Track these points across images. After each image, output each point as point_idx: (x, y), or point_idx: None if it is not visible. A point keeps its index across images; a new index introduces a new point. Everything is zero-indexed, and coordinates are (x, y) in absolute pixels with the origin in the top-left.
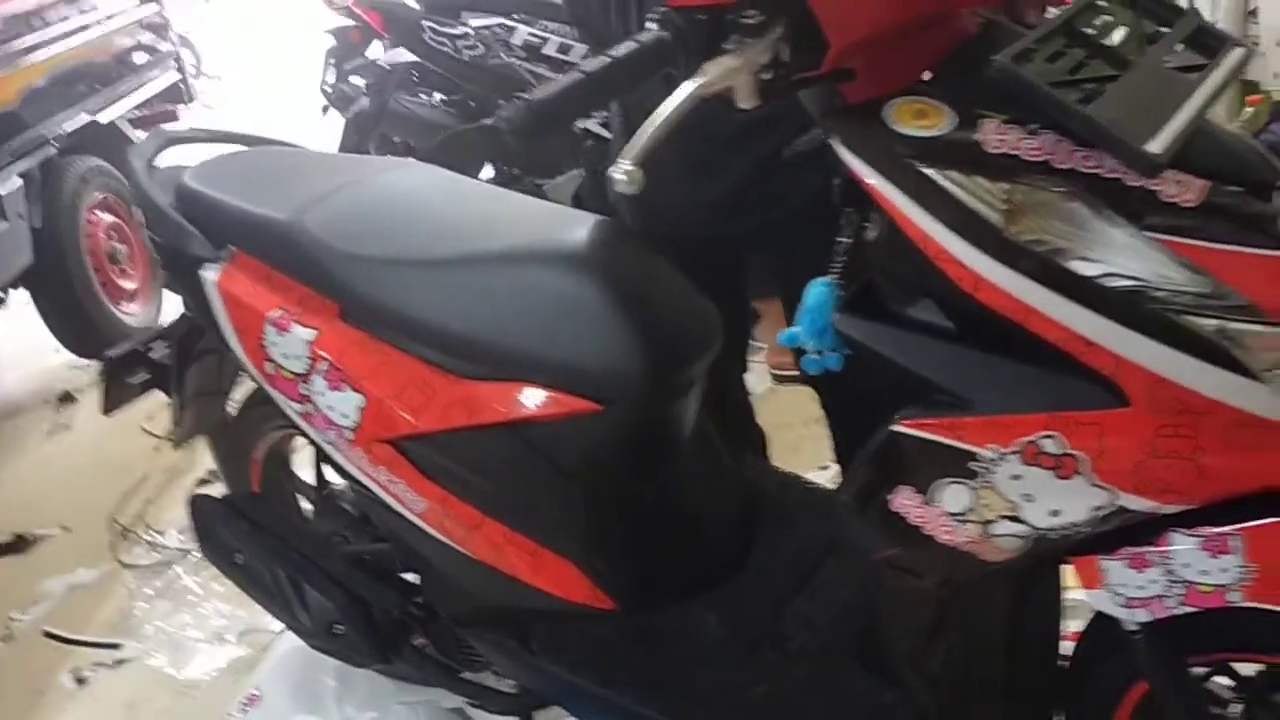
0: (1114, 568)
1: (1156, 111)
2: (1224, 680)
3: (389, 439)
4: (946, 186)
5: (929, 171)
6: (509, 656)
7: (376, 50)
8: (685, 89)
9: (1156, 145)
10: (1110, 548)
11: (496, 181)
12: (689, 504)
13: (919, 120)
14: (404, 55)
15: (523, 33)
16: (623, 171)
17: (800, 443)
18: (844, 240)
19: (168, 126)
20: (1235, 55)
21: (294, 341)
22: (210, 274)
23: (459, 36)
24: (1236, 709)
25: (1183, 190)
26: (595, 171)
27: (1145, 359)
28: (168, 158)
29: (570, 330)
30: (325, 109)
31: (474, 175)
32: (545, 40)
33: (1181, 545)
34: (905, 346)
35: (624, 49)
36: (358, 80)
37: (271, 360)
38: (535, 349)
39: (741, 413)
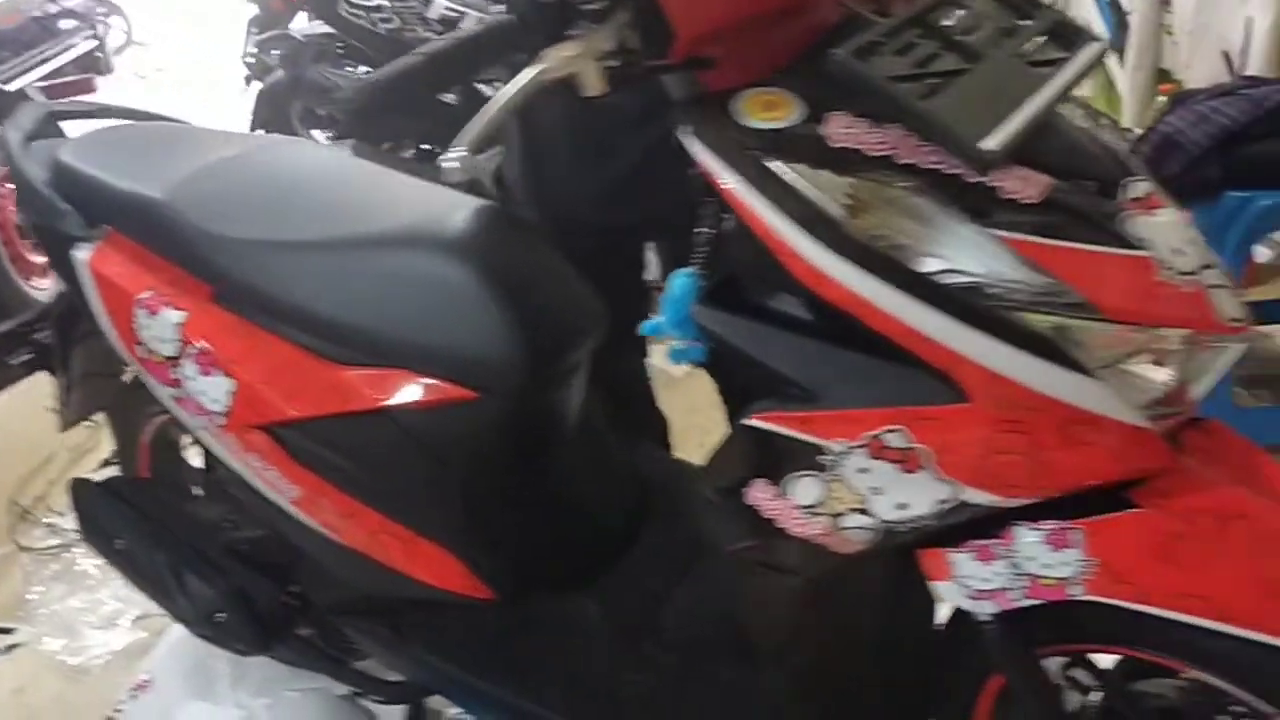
0: (961, 560)
1: (999, 107)
2: (1082, 670)
3: (260, 425)
4: (790, 180)
5: (773, 164)
6: (384, 646)
7: (302, 20)
8: (525, 75)
9: (992, 141)
10: (958, 540)
11: (417, 156)
12: (572, 493)
13: (767, 112)
14: (321, 27)
15: (439, 6)
16: (454, 159)
17: (713, 428)
18: (704, 231)
19: (86, 98)
20: (1091, 50)
21: (164, 324)
22: (82, 253)
23: (374, 9)
24: (1097, 698)
25: (1025, 186)
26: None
27: (981, 356)
28: (74, 130)
29: (447, 317)
30: (248, 80)
31: (398, 147)
32: (462, 15)
33: (1025, 539)
34: (758, 339)
35: (470, 31)
36: (277, 51)
37: (142, 343)
38: (410, 335)
39: (641, 399)
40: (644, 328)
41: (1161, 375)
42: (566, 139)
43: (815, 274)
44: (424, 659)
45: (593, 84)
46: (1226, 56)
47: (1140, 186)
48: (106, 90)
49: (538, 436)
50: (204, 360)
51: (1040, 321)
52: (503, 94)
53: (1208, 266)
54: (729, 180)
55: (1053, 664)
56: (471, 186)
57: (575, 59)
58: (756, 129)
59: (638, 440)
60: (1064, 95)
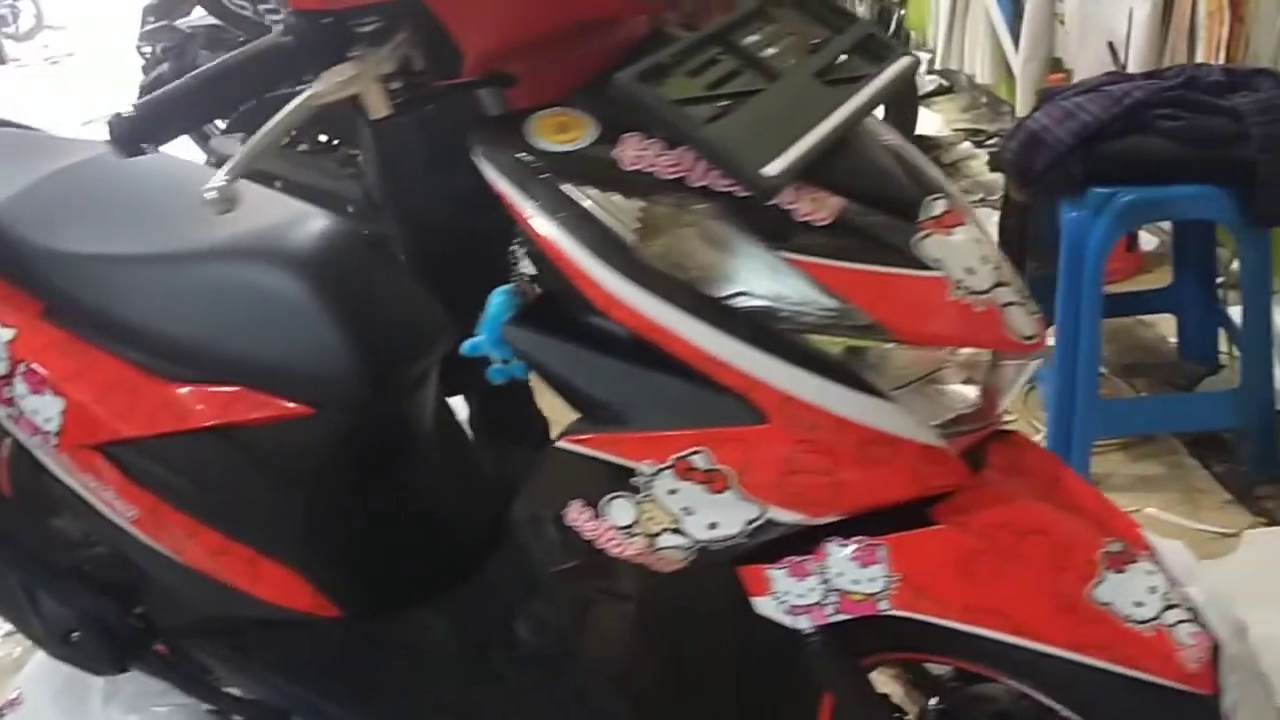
0: (778, 576)
1: (790, 129)
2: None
3: (94, 445)
4: (582, 203)
5: (565, 187)
6: (230, 667)
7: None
8: (298, 100)
9: (775, 167)
10: (775, 557)
11: (312, 149)
12: (423, 506)
13: (560, 134)
14: (209, 19)
15: None
16: (214, 189)
17: None
18: (516, 248)
19: None
20: (900, 65)
21: None
22: None
23: (259, 0)
24: (936, 703)
25: (817, 208)
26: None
27: (775, 379)
28: None
29: (279, 331)
30: (145, 71)
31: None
32: None
33: (835, 555)
34: (568, 360)
35: (243, 53)
36: (162, 44)
37: None
38: (244, 351)
39: (518, 401)
40: (465, 347)
41: (960, 393)
42: (420, 146)
43: (609, 299)
44: (270, 679)
45: (376, 105)
46: (1111, 47)
47: (938, 205)
48: (9, 80)
49: (382, 450)
50: (34, 379)
51: (832, 344)
52: (273, 120)
53: (1002, 284)
54: (520, 204)
55: (889, 670)
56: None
57: (354, 80)
58: (548, 151)
59: (515, 444)
60: (866, 112)
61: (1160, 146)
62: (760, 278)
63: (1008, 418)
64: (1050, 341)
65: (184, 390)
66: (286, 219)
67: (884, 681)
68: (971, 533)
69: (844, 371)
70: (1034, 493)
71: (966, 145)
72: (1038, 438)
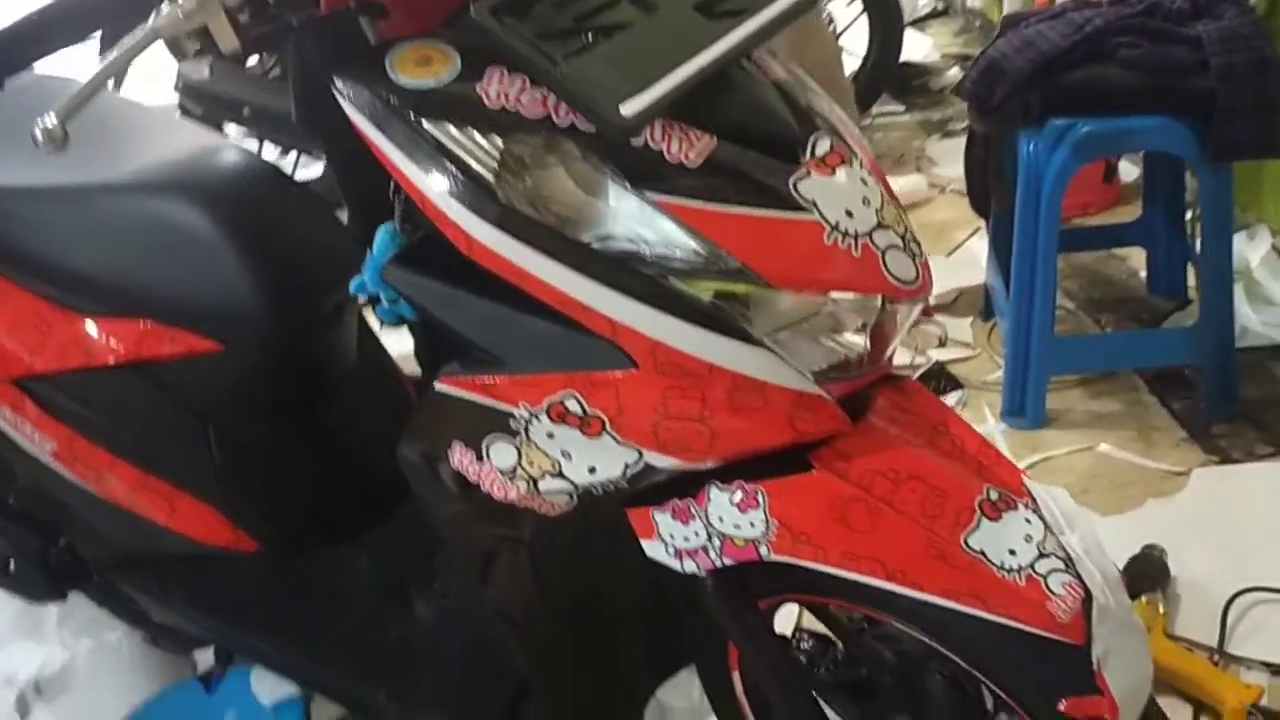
0: (663, 519)
1: (655, 64)
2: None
3: (8, 379)
4: (442, 141)
5: (426, 125)
6: (152, 599)
7: None
8: (138, 33)
9: (633, 105)
10: (661, 500)
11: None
12: (344, 443)
13: (421, 68)
14: None
15: None
16: (42, 130)
17: None
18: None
19: None
20: None
21: None
22: None
23: None
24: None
25: (687, 148)
26: None
27: (641, 324)
28: None
29: (187, 265)
30: None
31: None
32: None
33: (717, 499)
34: (445, 301)
35: None
36: None
37: None
38: (151, 284)
39: None
40: (352, 286)
41: (843, 339)
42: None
43: (470, 241)
44: (188, 613)
45: (225, 39)
46: None
47: (822, 144)
48: None
49: (298, 386)
50: None
51: (701, 288)
52: (110, 57)
53: (883, 227)
54: (379, 143)
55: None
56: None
57: (198, 12)
58: (407, 87)
59: None
60: (751, 46)
61: (1119, 76)
62: (627, 220)
63: (968, 353)
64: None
65: (95, 325)
66: (197, 151)
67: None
68: (848, 479)
69: (713, 317)
70: (917, 439)
71: (955, 71)
72: (997, 374)
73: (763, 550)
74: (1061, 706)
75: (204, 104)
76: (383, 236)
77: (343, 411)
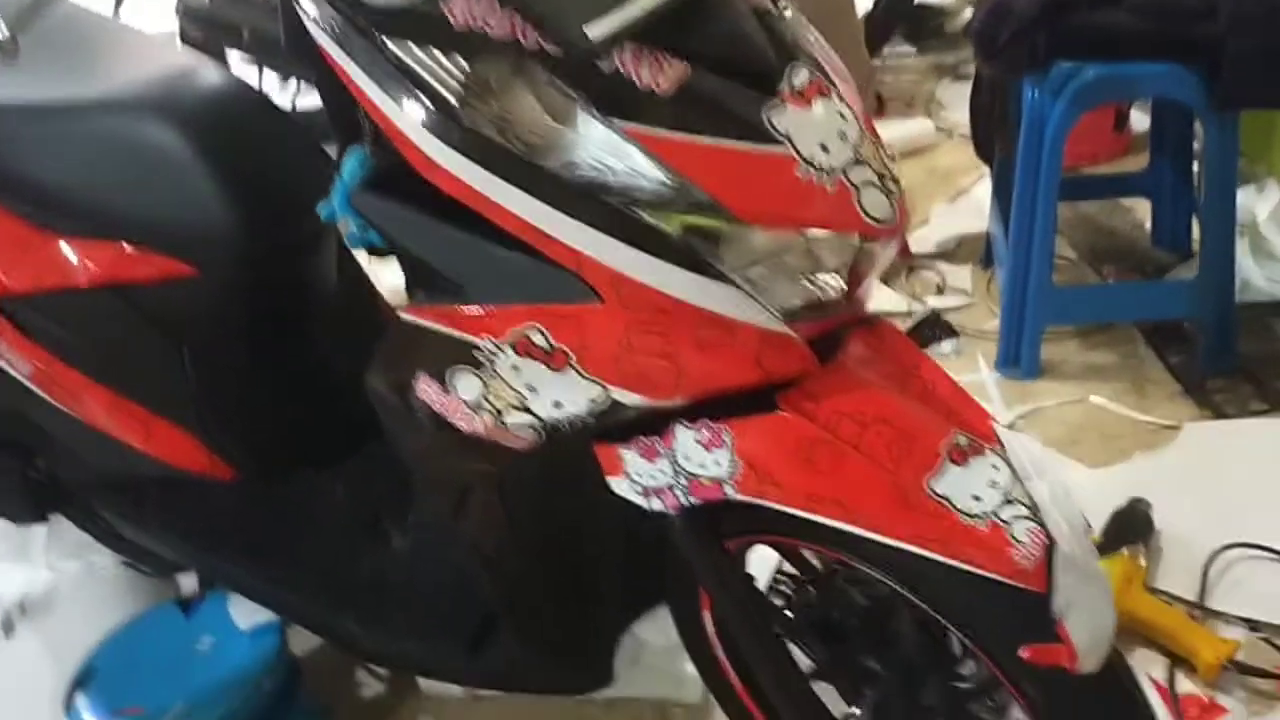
0: (630, 456)
1: None
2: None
3: None
4: (405, 62)
5: (389, 44)
6: (129, 523)
7: None
8: None
9: (599, 26)
10: (628, 437)
11: None
12: (323, 369)
13: None
14: None
15: None
16: None
17: None
18: None
19: None
20: None
21: None
22: None
23: None
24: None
25: (658, 75)
26: None
27: (606, 256)
28: None
29: (163, 186)
30: None
31: None
32: None
33: (683, 437)
34: (411, 228)
35: None
36: None
37: None
38: (127, 205)
39: None
40: (320, 212)
41: (816, 277)
42: None
43: (431, 165)
44: (165, 537)
45: None
46: None
47: (800, 76)
48: None
49: (275, 311)
50: None
51: (669, 221)
52: None
53: (859, 163)
54: (341, 61)
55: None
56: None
57: None
58: (371, 4)
59: None
60: None
61: (1126, 21)
62: (594, 149)
63: (965, 301)
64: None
65: (70, 245)
66: (175, 71)
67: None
68: (814, 420)
69: (680, 251)
70: (888, 382)
71: (970, 13)
72: (993, 323)
73: (728, 490)
74: (1023, 653)
75: (204, 29)
76: (351, 161)
77: (321, 340)
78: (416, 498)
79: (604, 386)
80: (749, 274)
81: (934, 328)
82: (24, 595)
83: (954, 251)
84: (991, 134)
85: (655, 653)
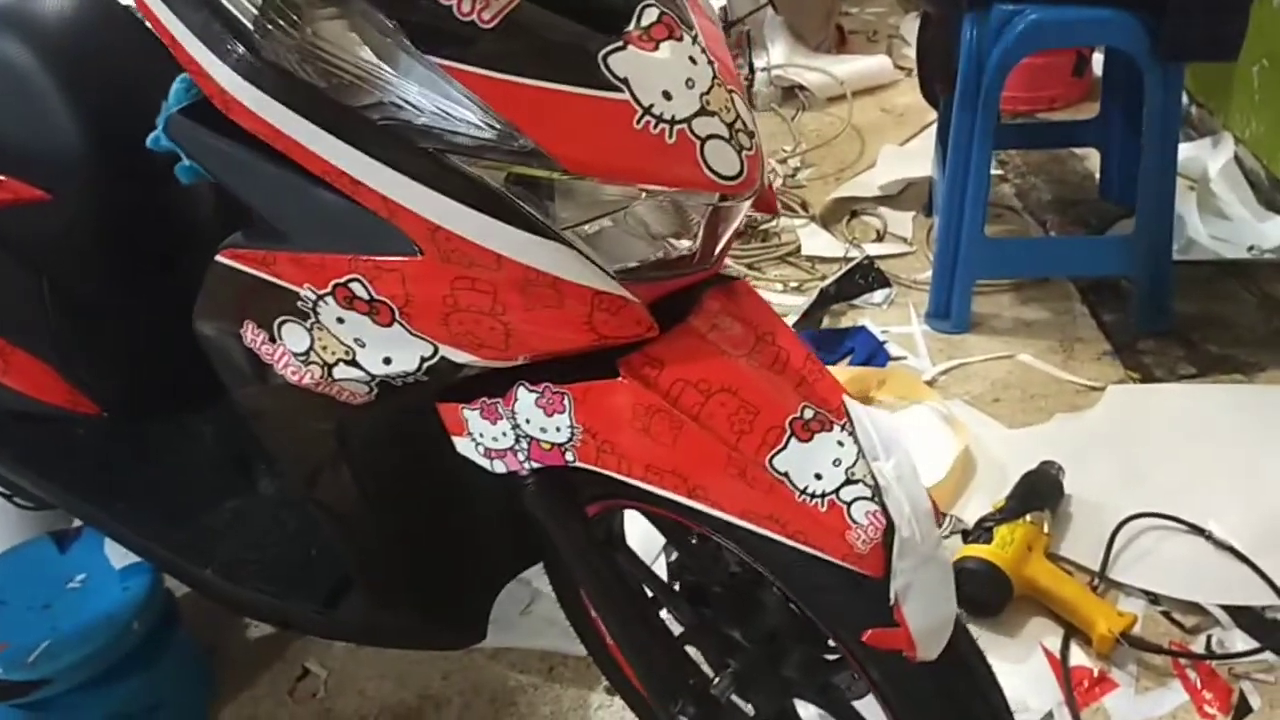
0: (472, 417)
1: None
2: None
3: None
4: None
5: None
6: None
7: None
8: None
9: None
10: (471, 396)
11: None
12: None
13: None
14: None
15: None
16: None
17: None
18: None
19: None
20: None
21: None
22: None
23: None
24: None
25: (480, 6)
26: None
27: (421, 207)
28: None
29: (12, 108)
30: None
31: None
32: None
33: (524, 400)
34: (226, 162)
35: None
36: None
37: None
38: None
39: None
40: (148, 140)
41: (662, 234)
42: None
43: (225, 97)
44: (23, 473)
45: None
46: None
47: (649, 14)
48: None
49: (138, 242)
50: None
51: (487, 170)
52: None
53: (707, 113)
54: None
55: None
56: None
57: None
58: None
59: None
60: None
61: None
62: (408, 87)
63: (903, 249)
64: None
65: None
66: None
67: None
68: (654, 388)
69: (501, 202)
70: (738, 349)
71: None
72: (929, 273)
73: (569, 456)
74: (864, 637)
75: None
76: (178, 86)
77: (190, 274)
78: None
79: (433, 344)
80: (585, 230)
81: (866, 275)
82: None
83: (899, 197)
84: (936, 75)
85: (548, 603)
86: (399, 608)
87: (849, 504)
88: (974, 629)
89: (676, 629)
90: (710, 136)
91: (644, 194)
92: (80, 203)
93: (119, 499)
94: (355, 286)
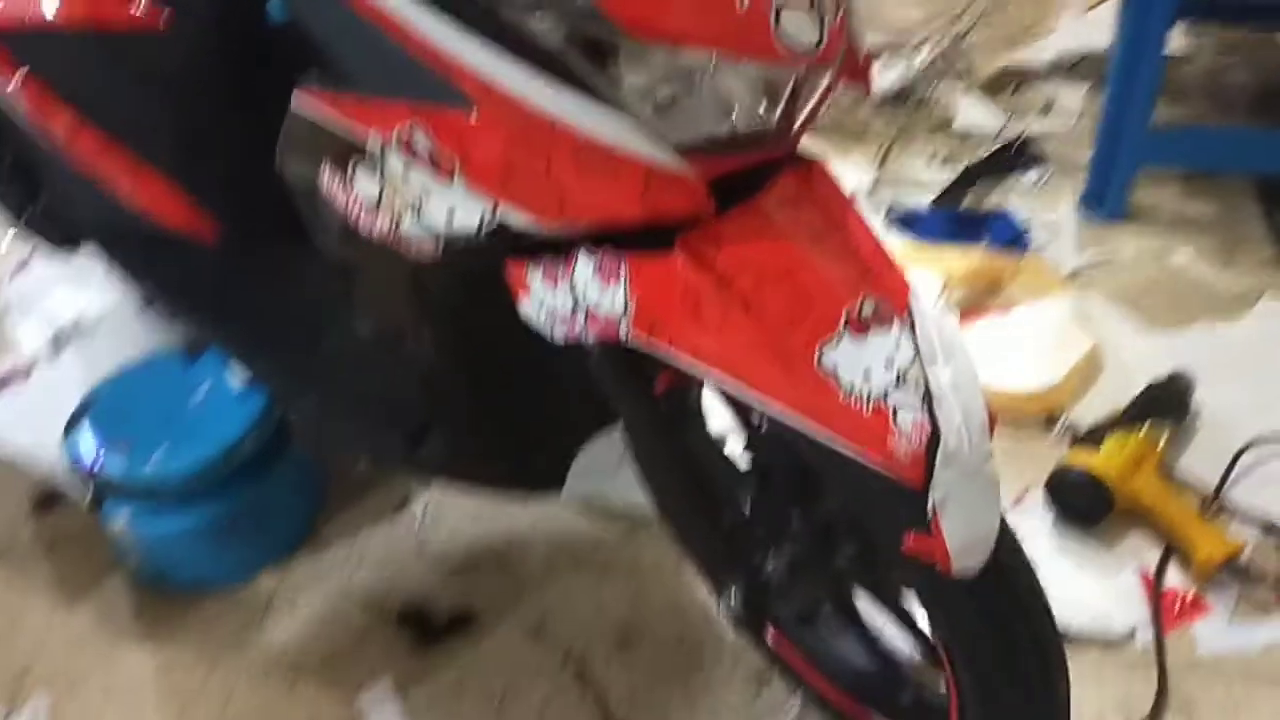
0: (535, 278)
1: None
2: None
3: None
4: None
5: None
6: (121, 269)
7: None
8: None
9: None
10: (537, 256)
11: None
12: None
13: None
14: None
15: None
16: None
17: None
18: None
19: None
20: None
21: None
22: None
23: None
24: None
25: None
26: None
27: (471, 60)
28: None
29: None
30: None
31: None
32: None
33: (582, 265)
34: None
35: None
36: None
37: None
38: None
39: None
40: None
41: (734, 108)
42: None
43: None
44: (148, 287)
45: None
46: None
47: None
48: None
49: (258, 71)
50: None
51: (546, 29)
52: None
53: None
54: None
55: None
56: None
57: None
58: None
59: None
60: None
61: None
62: None
63: (1068, 126)
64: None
65: None
66: None
67: None
68: (708, 268)
69: (556, 63)
70: (802, 233)
71: None
72: (1090, 157)
73: (622, 329)
74: (905, 543)
75: None
76: None
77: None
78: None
79: (491, 201)
80: (653, 98)
81: (1021, 153)
82: (77, 318)
83: (1074, 69)
84: None
85: None
86: (475, 454)
87: (895, 408)
88: (1068, 539)
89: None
90: (786, 4)
91: (714, 63)
92: (202, 27)
93: (232, 321)
94: (417, 136)
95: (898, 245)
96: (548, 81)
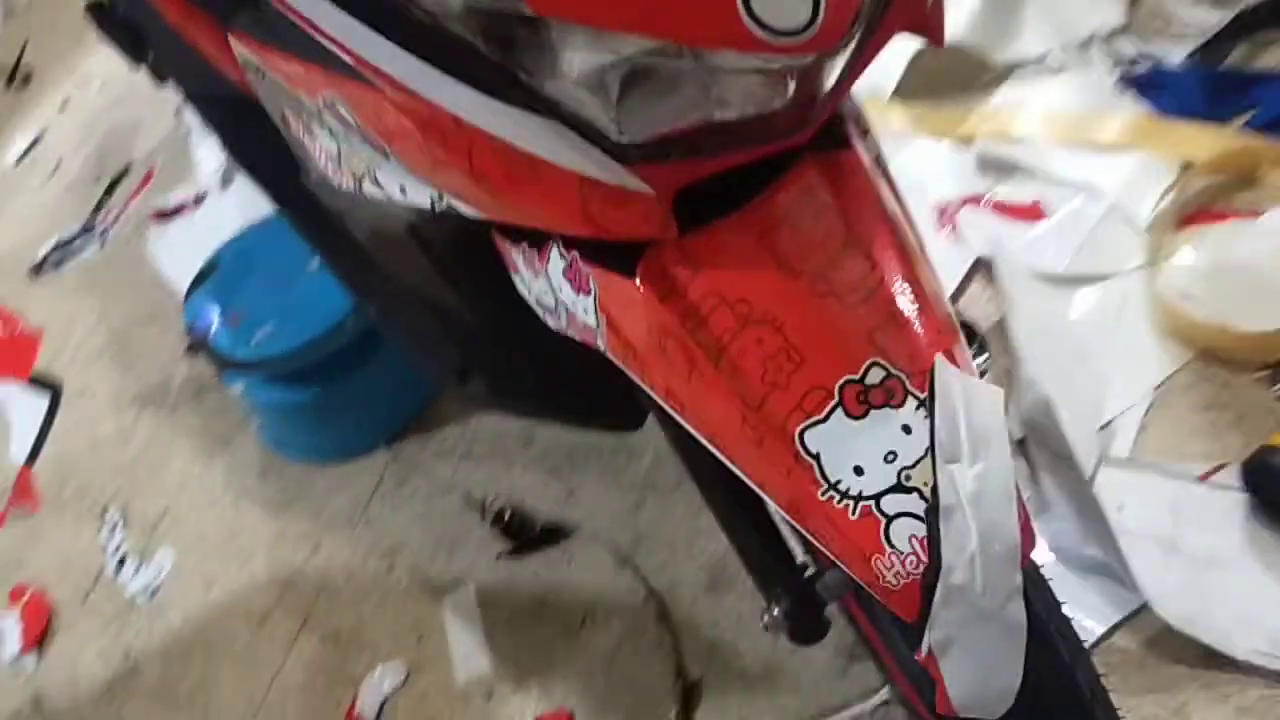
0: (520, 260)
1: None
2: None
3: None
4: None
5: None
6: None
7: None
8: None
9: None
10: (518, 238)
11: None
12: None
13: None
14: None
15: None
16: None
17: None
18: None
19: None
20: None
21: None
22: None
23: None
24: None
25: None
26: None
27: (358, 44)
28: None
29: None
30: None
31: None
32: None
33: (555, 265)
34: None
35: None
36: None
37: None
38: None
39: None
40: None
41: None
42: None
43: None
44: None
45: None
46: None
47: None
48: None
49: None
50: None
51: (442, 10)
52: None
53: None
54: None
55: None
56: None
57: None
58: None
59: None
60: None
61: None
62: None
63: None
64: None
65: None
66: None
67: None
68: (674, 300)
69: (451, 49)
70: (811, 256)
71: None
72: None
73: (600, 344)
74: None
75: None
76: None
77: None
78: None
79: (433, 187)
80: (603, 91)
81: None
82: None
83: None
84: None
85: None
86: (520, 394)
87: (890, 518)
88: (1265, 532)
89: None
90: None
91: (668, 50)
92: None
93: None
94: (340, 107)
95: (1130, 117)
96: (431, 69)
